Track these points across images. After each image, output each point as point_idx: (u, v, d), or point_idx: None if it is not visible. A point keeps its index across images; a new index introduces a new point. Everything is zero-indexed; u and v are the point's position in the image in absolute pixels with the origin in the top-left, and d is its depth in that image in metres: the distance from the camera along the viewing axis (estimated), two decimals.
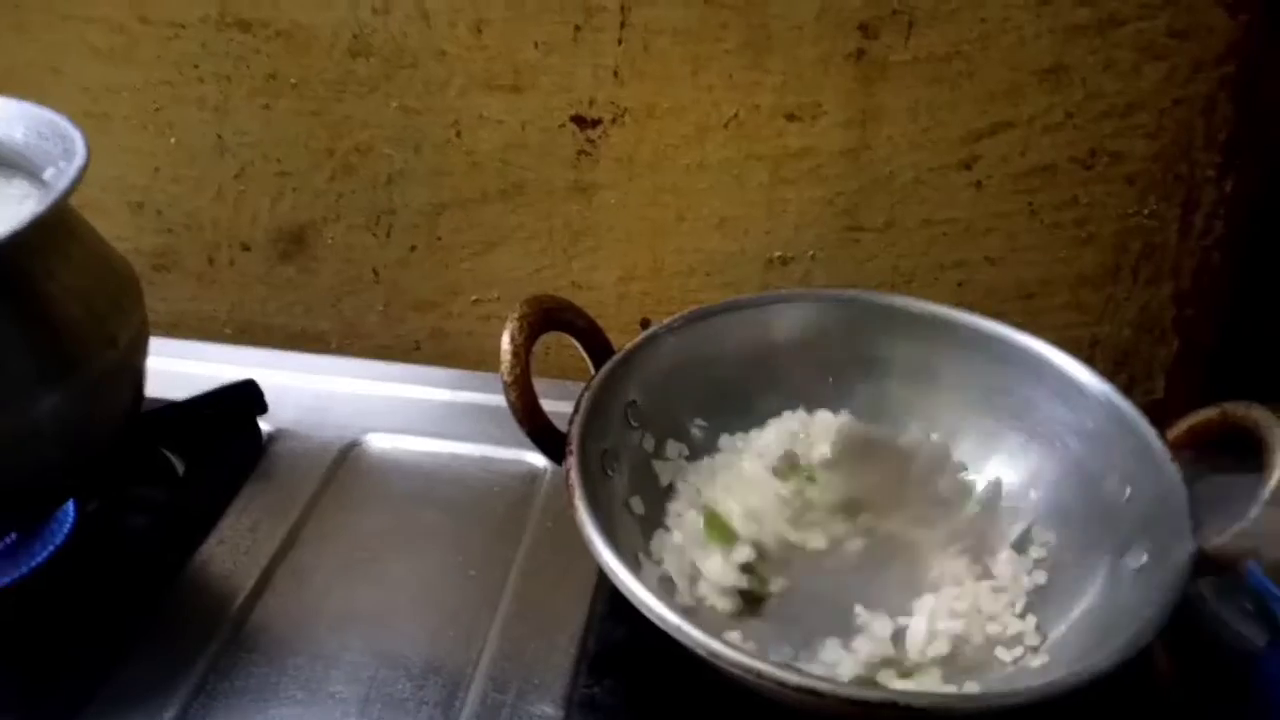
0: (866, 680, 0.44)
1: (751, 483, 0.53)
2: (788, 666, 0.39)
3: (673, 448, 0.56)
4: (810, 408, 0.58)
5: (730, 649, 0.39)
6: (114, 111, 0.73)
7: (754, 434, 0.57)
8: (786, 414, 0.58)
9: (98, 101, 0.73)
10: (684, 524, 0.53)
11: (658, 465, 0.55)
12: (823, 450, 0.54)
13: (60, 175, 0.49)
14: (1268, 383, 0.60)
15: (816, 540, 0.51)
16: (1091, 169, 0.66)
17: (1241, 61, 0.62)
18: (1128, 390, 0.53)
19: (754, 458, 0.54)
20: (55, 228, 0.50)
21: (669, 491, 0.55)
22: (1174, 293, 0.70)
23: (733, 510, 0.51)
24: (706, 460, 0.56)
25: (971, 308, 0.58)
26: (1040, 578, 0.51)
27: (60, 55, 0.72)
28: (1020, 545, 0.53)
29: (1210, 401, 0.51)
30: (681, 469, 0.55)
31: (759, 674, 0.39)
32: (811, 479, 0.53)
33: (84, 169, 0.49)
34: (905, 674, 0.45)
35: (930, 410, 0.58)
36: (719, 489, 0.53)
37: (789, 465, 0.53)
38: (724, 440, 0.57)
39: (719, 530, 0.51)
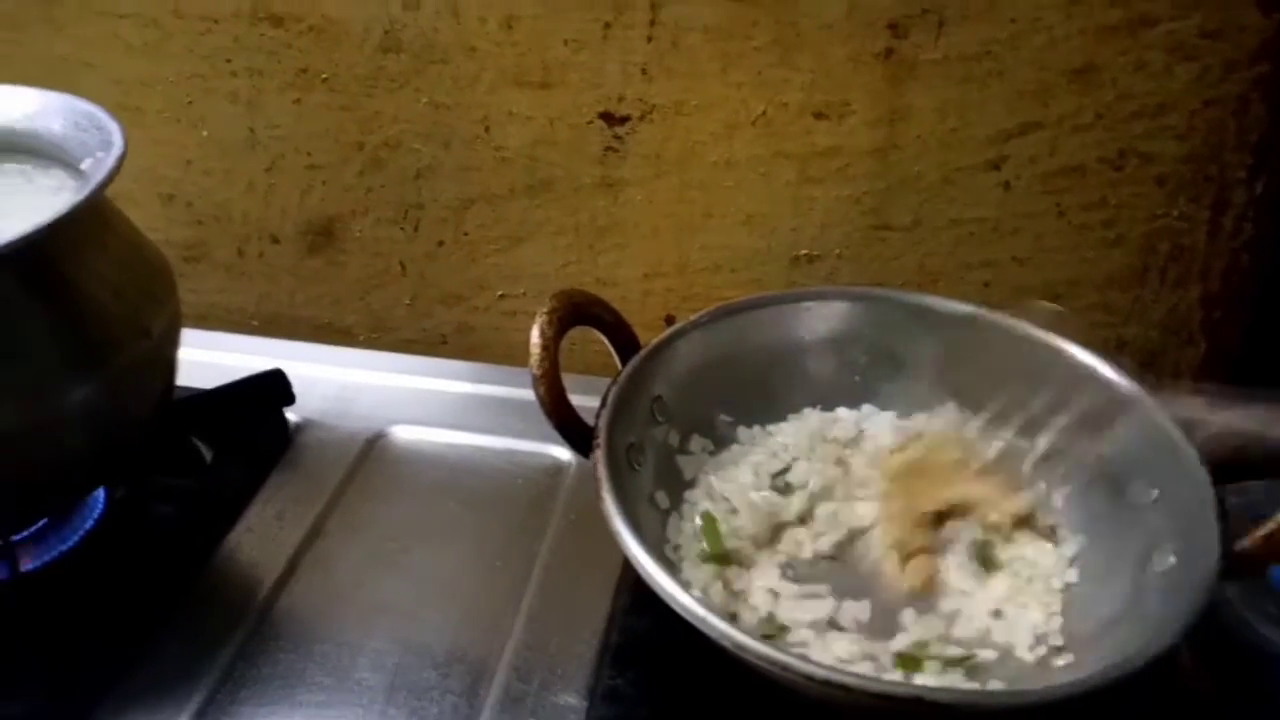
0: (909, 658, 0.44)
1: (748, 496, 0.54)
2: (813, 661, 0.40)
3: (697, 443, 0.56)
4: (833, 405, 0.58)
5: (756, 642, 0.40)
6: (146, 105, 0.74)
7: (771, 429, 0.57)
8: (807, 411, 0.58)
9: (130, 95, 0.73)
10: (696, 516, 0.53)
11: (682, 460, 0.55)
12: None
13: (98, 166, 0.49)
14: None
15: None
16: (1121, 170, 0.66)
17: (1275, 62, 0.62)
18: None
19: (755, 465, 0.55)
20: (91, 219, 0.51)
21: (693, 485, 0.55)
22: (1202, 295, 0.69)
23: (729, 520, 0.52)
24: (726, 454, 0.56)
25: (998, 308, 0.58)
26: (1073, 575, 0.51)
27: (94, 49, 0.73)
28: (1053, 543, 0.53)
29: None
30: (705, 463, 0.55)
31: (784, 667, 0.39)
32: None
33: (122, 159, 0.49)
34: (928, 666, 0.45)
35: (955, 410, 0.58)
36: (724, 491, 0.54)
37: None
38: (742, 433, 0.57)
39: (713, 538, 0.51)
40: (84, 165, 0.51)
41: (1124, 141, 0.65)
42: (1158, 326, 0.70)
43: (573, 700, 0.50)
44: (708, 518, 0.51)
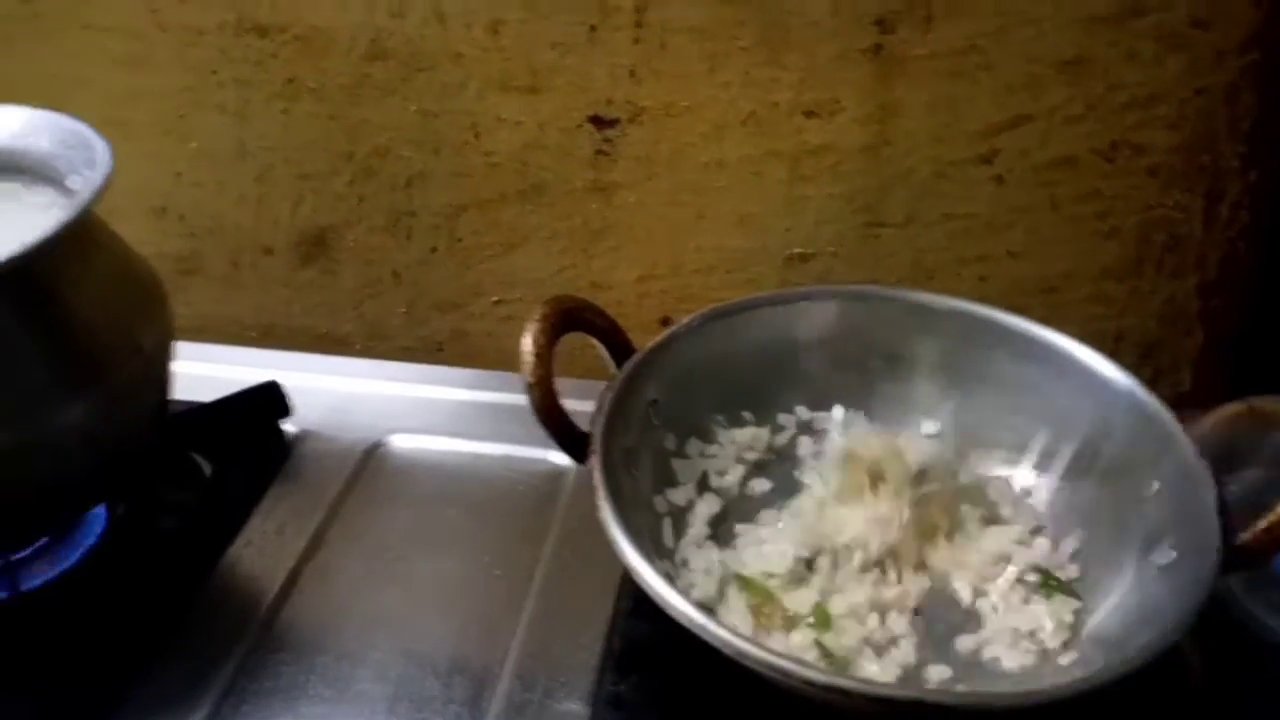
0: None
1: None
2: (814, 666, 0.40)
3: (694, 446, 0.56)
4: (829, 405, 0.58)
5: (756, 648, 0.39)
6: (135, 118, 0.73)
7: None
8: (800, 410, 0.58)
9: (119, 109, 0.73)
10: (699, 518, 0.53)
11: (678, 464, 0.55)
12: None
13: (85, 183, 0.49)
14: None
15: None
16: (1113, 161, 0.66)
17: (1264, 50, 0.62)
18: (1154, 384, 0.53)
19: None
20: (80, 236, 0.50)
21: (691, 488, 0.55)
22: (1199, 284, 0.69)
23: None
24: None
25: (994, 302, 0.58)
26: (1074, 571, 0.51)
27: (81, 65, 0.73)
28: (1053, 541, 0.53)
29: (1237, 393, 0.50)
30: (702, 465, 0.55)
31: (785, 673, 0.39)
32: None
33: (109, 176, 0.49)
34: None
35: (953, 407, 0.57)
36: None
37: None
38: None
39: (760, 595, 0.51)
40: (71, 183, 0.51)
41: (1116, 132, 0.65)
42: (1155, 317, 0.70)
43: (576, 707, 0.50)
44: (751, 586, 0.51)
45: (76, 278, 0.51)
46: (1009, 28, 0.63)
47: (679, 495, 0.54)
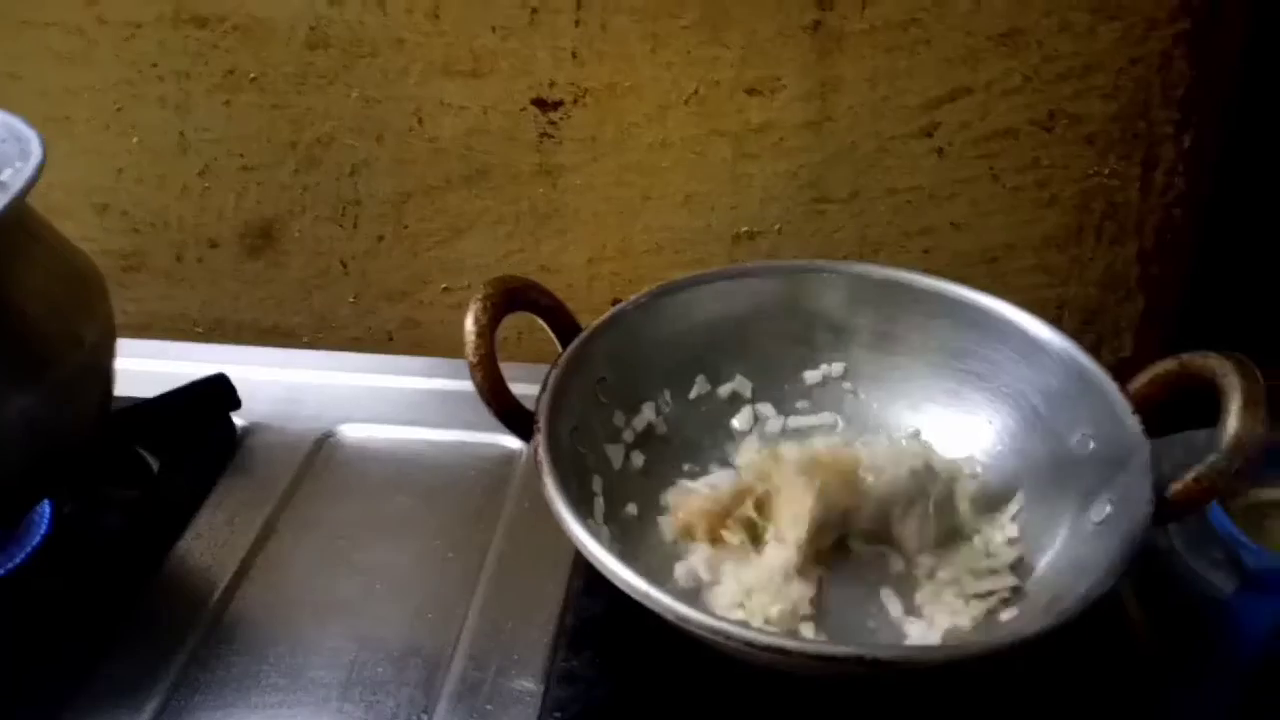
0: None
1: None
2: (752, 626, 0.40)
3: (642, 422, 0.56)
4: (771, 379, 0.58)
5: (696, 612, 0.40)
6: (75, 114, 0.73)
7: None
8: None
9: (58, 104, 0.72)
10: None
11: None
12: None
13: (17, 175, 0.49)
14: (1234, 336, 0.61)
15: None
16: (1051, 131, 0.67)
17: (1195, 19, 0.63)
18: (1096, 349, 0.54)
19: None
20: (14, 229, 0.50)
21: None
22: (1138, 251, 0.70)
23: None
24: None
25: (939, 274, 0.58)
26: (1013, 531, 0.52)
27: (19, 61, 0.72)
28: (993, 503, 0.53)
29: None
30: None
31: (726, 635, 0.39)
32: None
33: (40, 168, 0.49)
34: None
35: (896, 375, 0.58)
36: None
37: None
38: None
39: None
40: (3, 176, 0.51)
41: (1053, 103, 0.66)
42: (1096, 284, 0.71)
43: (529, 684, 0.50)
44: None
45: (13, 272, 0.50)
46: (945, 2, 0.63)
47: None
